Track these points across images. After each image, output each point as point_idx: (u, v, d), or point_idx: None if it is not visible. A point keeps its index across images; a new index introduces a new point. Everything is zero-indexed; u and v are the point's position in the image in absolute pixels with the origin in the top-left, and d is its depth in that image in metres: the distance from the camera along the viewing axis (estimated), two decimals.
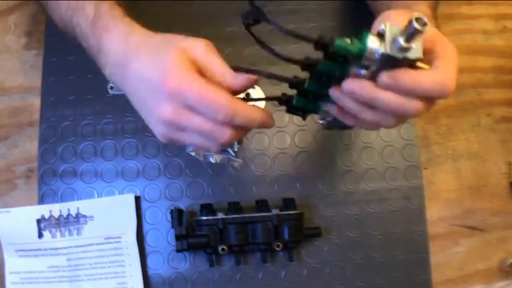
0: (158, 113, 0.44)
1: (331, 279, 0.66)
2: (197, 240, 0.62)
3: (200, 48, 0.46)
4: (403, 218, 0.68)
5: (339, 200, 0.68)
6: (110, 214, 0.66)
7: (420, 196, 0.69)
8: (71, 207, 0.66)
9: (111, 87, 0.69)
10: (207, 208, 0.64)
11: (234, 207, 0.64)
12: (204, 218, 0.62)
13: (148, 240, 0.66)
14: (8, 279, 0.65)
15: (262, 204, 0.64)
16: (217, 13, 0.73)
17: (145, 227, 0.67)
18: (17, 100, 0.71)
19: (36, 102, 0.70)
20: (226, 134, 0.43)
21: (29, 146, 0.69)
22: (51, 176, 0.67)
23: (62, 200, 0.67)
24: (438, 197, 0.70)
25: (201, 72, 0.44)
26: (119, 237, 0.65)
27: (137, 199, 0.67)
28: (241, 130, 0.45)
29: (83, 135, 0.69)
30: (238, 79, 0.45)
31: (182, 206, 0.67)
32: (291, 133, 0.69)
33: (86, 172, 0.68)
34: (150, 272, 0.66)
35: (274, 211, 0.63)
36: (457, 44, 0.75)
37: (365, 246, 0.68)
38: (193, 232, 0.63)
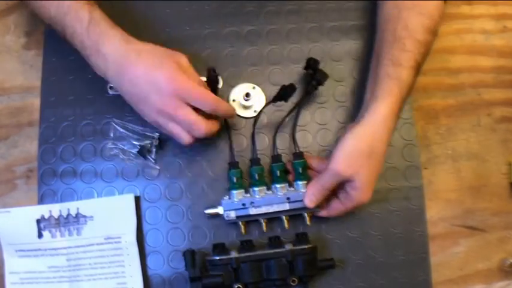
0: (160, 106, 0.58)
1: None
2: (212, 280, 0.61)
3: (184, 60, 0.61)
4: (403, 218, 0.68)
5: None
6: (109, 214, 0.66)
7: (420, 196, 0.69)
8: (71, 207, 0.66)
9: (111, 87, 0.69)
10: (219, 248, 0.63)
11: (247, 244, 0.64)
12: (218, 257, 0.62)
13: (148, 240, 0.66)
14: (8, 279, 0.65)
15: (275, 241, 0.64)
16: (217, 13, 0.73)
17: (145, 227, 0.67)
18: (17, 100, 0.71)
19: (36, 102, 0.70)
20: (202, 126, 0.59)
21: (29, 146, 0.69)
22: (51, 176, 0.67)
23: (61, 200, 0.67)
24: (438, 197, 0.70)
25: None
26: (119, 238, 0.65)
27: (137, 199, 0.67)
28: (213, 126, 0.60)
29: (83, 135, 0.68)
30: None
31: (182, 206, 0.67)
32: (292, 133, 0.69)
33: (86, 172, 0.68)
34: (150, 272, 0.66)
35: (288, 246, 0.63)
36: (457, 44, 0.76)
37: (365, 246, 0.68)
38: (207, 272, 0.62)
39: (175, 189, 0.68)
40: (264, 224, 0.65)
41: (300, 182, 0.64)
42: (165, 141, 0.68)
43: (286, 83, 0.66)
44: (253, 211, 0.64)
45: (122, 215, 0.66)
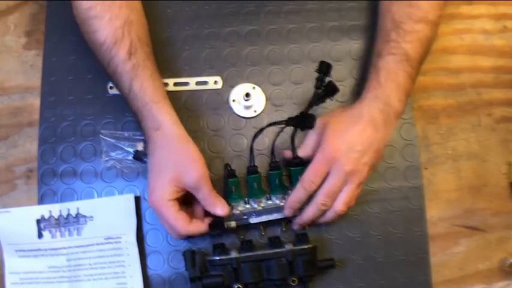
0: (148, 197, 0.62)
1: None
2: (212, 280, 0.61)
3: (191, 178, 0.60)
4: (403, 218, 0.68)
5: None
6: (109, 214, 0.66)
7: (420, 196, 0.69)
8: (71, 207, 0.66)
9: (111, 87, 0.69)
10: (219, 248, 0.63)
11: (247, 245, 0.64)
12: (218, 257, 0.62)
13: (148, 240, 0.66)
14: (8, 279, 0.65)
15: (274, 241, 0.64)
16: (217, 13, 0.73)
17: (145, 227, 0.67)
18: (17, 100, 0.71)
19: (36, 102, 0.70)
20: (175, 237, 0.63)
21: (29, 146, 0.69)
22: (51, 176, 0.67)
23: (61, 200, 0.67)
24: (438, 197, 0.70)
25: (189, 194, 0.62)
26: (119, 238, 0.65)
27: (137, 199, 0.67)
28: (197, 228, 0.62)
29: (83, 135, 0.68)
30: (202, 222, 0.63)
31: None
32: (290, 134, 0.69)
33: (86, 172, 0.68)
34: (150, 272, 0.66)
35: (288, 246, 0.63)
36: (457, 44, 0.76)
37: (365, 246, 0.68)
38: (207, 273, 0.62)
39: None
40: (262, 229, 0.66)
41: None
42: None
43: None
44: (253, 220, 0.64)
45: (122, 215, 0.66)
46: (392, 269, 0.67)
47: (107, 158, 0.67)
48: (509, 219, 0.71)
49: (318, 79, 0.65)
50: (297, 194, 0.62)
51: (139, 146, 0.67)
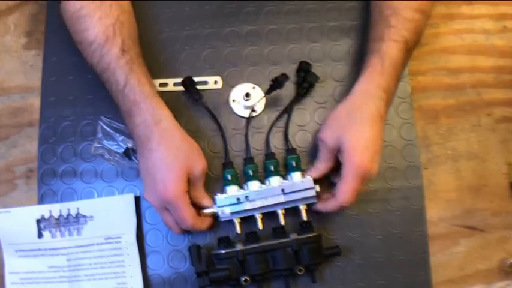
0: (159, 191, 0.59)
1: None
2: (218, 274, 0.61)
3: (198, 170, 0.61)
4: (403, 218, 0.68)
5: None
6: (109, 214, 0.66)
7: (420, 196, 0.69)
8: (71, 207, 0.66)
9: None
10: (224, 241, 0.63)
11: (252, 236, 0.63)
12: (223, 251, 0.62)
13: (148, 240, 0.66)
14: (8, 279, 0.65)
15: (279, 231, 0.64)
16: (217, 13, 0.73)
17: (145, 227, 0.67)
18: (17, 100, 0.71)
19: (36, 102, 0.70)
20: (177, 231, 0.63)
21: (29, 146, 0.69)
22: (51, 176, 0.67)
23: (61, 200, 0.67)
24: (438, 197, 0.70)
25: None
26: (119, 238, 0.65)
27: (137, 199, 0.67)
28: (202, 224, 0.63)
29: (83, 135, 0.68)
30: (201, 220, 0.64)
31: None
32: (291, 133, 0.69)
33: (86, 172, 0.68)
34: (150, 272, 0.66)
35: (292, 236, 0.63)
36: (458, 44, 0.76)
37: (365, 247, 0.68)
38: (213, 267, 0.62)
39: None
40: (259, 220, 0.64)
41: (293, 173, 0.65)
42: None
43: (286, 82, 0.66)
44: (248, 206, 0.63)
45: (122, 215, 0.66)
46: (392, 269, 0.67)
47: (98, 145, 0.67)
48: (509, 219, 0.71)
49: (300, 77, 0.70)
50: (332, 206, 0.62)
51: (131, 143, 0.67)
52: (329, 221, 0.67)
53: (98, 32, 0.60)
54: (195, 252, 0.62)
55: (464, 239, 0.70)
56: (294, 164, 0.65)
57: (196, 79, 0.70)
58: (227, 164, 0.66)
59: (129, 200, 0.66)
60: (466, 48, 0.76)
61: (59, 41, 0.71)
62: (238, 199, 0.63)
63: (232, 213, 0.63)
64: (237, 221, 0.64)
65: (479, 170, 0.72)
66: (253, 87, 0.71)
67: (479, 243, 0.70)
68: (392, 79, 0.62)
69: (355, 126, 0.61)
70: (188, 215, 0.60)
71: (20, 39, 0.73)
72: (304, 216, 0.64)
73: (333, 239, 0.67)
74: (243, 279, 0.61)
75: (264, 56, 0.72)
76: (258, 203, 0.63)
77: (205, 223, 0.63)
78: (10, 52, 0.72)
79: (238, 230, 0.64)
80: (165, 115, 0.61)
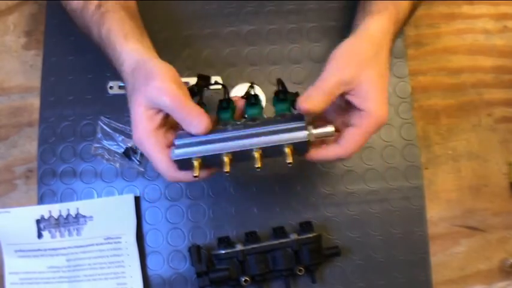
0: (133, 137, 0.52)
1: None
2: (218, 274, 0.61)
3: (152, 93, 0.50)
4: (404, 218, 0.68)
5: (339, 200, 0.68)
6: (109, 214, 0.66)
7: (420, 196, 0.69)
8: (71, 207, 0.66)
9: (111, 87, 0.69)
10: (224, 241, 0.63)
11: (252, 237, 0.63)
12: (223, 251, 0.62)
13: (148, 240, 0.66)
14: (8, 279, 0.65)
15: (279, 231, 0.64)
16: (217, 13, 0.73)
17: (145, 227, 0.67)
18: (17, 100, 0.71)
19: (35, 102, 0.70)
20: (168, 179, 0.54)
21: (29, 146, 0.69)
22: (50, 176, 0.67)
23: (61, 200, 0.67)
24: (438, 197, 0.70)
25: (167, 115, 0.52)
26: (119, 238, 0.65)
27: (137, 199, 0.67)
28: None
29: (83, 135, 0.68)
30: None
31: (182, 207, 0.67)
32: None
33: (86, 172, 0.68)
34: (150, 272, 0.66)
35: (292, 236, 0.62)
36: (458, 43, 0.76)
37: (365, 247, 0.67)
38: (213, 267, 0.62)
39: (175, 189, 0.67)
40: (226, 162, 0.50)
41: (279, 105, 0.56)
42: None
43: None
44: (209, 145, 0.50)
45: (121, 215, 0.66)
46: (392, 269, 0.67)
47: (98, 145, 0.67)
48: (509, 220, 0.71)
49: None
50: (332, 154, 0.53)
51: (131, 143, 0.67)
52: (329, 221, 0.67)
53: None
54: (195, 252, 0.62)
55: (465, 239, 0.70)
56: (284, 107, 0.56)
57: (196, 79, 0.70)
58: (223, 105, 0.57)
59: (128, 200, 0.66)
60: (466, 48, 0.75)
61: (58, 41, 0.71)
62: (226, 125, 0.53)
63: (186, 152, 0.50)
64: (196, 162, 0.50)
65: (479, 170, 0.72)
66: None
67: (480, 244, 0.70)
68: (396, 33, 0.58)
69: (379, 71, 0.52)
70: (155, 161, 0.51)
71: (19, 39, 0.73)
72: (289, 158, 0.50)
73: (333, 239, 0.67)
74: (243, 279, 0.61)
75: (264, 56, 0.72)
76: (225, 138, 0.50)
77: (188, 174, 0.51)
78: (10, 52, 0.72)
79: (196, 172, 0.50)
80: (124, 52, 0.54)
